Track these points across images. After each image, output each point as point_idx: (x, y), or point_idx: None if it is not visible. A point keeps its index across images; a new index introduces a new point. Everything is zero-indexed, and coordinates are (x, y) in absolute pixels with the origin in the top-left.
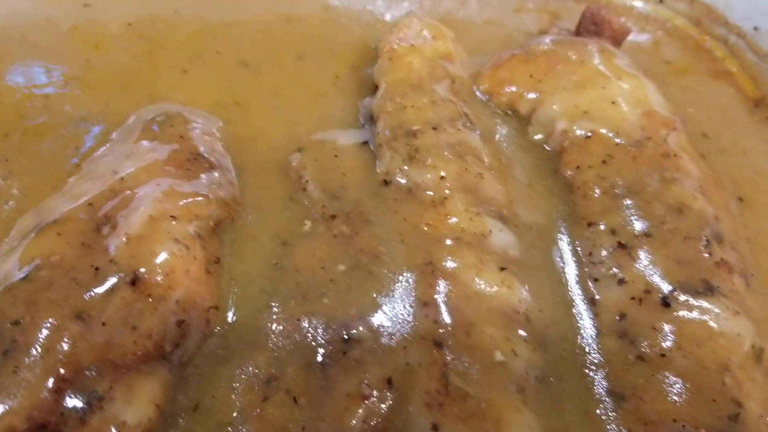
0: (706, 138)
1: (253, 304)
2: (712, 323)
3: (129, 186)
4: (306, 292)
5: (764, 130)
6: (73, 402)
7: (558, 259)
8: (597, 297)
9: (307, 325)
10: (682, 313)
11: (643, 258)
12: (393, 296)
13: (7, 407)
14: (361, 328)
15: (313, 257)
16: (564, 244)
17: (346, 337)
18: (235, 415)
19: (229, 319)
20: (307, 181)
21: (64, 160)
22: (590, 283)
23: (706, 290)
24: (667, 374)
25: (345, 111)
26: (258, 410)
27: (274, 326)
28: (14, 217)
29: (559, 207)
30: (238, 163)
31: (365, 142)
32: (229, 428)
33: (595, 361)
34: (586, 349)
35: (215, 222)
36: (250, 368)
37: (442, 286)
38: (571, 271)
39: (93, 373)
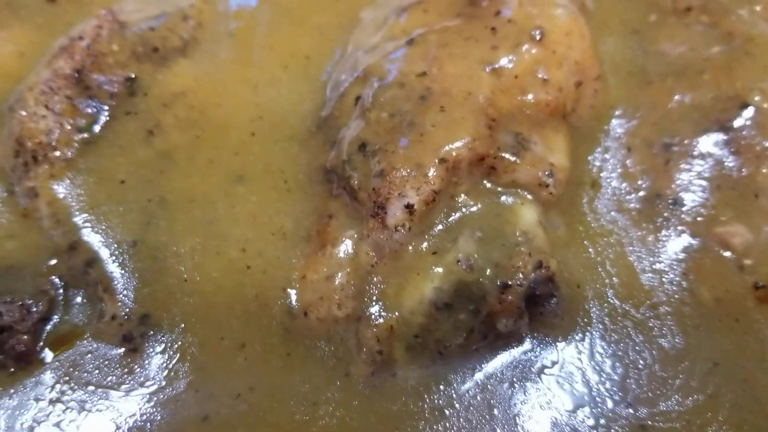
0: None
1: (626, 83)
2: None
3: None
4: (680, 70)
5: None
6: (504, 139)
7: None
8: None
9: (692, 97)
10: None
11: None
12: None
13: (453, 138)
14: (756, 97)
15: (673, 41)
16: None
17: (742, 103)
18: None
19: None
20: None
21: None
22: None
23: None
24: None
25: None
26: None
27: (654, 100)
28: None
29: None
30: None
31: None
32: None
33: None
34: None
35: (579, 5)
36: (637, 139)
37: None
38: None
39: (513, 120)
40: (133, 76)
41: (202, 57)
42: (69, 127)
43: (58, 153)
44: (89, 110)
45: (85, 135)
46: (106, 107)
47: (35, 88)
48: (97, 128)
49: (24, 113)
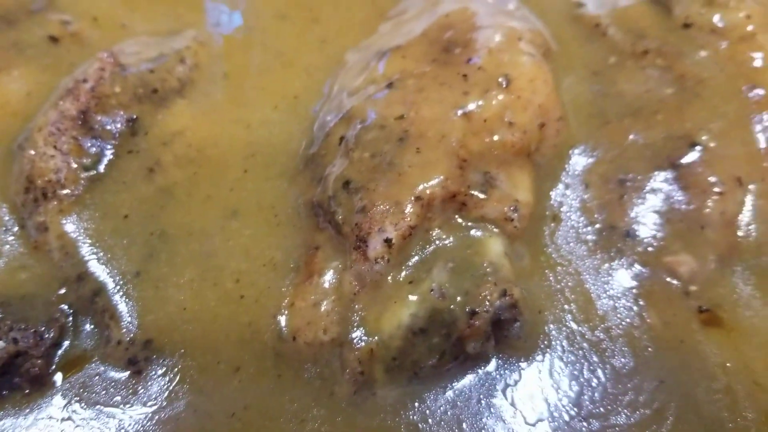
0: None
1: (586, 123)
2: None
3: (459, 19)
4: (636, 111)
5: None
6: (474, 177)
7: None
8: None
9: (646, 136)
10: None
11: None
12: (725, 114)
13: (427, 178)
14: (704, 137)
15: (631, 82)
16: None
17: (691, 143)
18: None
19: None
20: (607, 26)
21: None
22: None
23: None
24: None
25: None
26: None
27: (611, 139)
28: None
29: None
30: None
31: None
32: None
33: None
34: None
35: (544, 51)
36: (595, 176)
37: None
38: None
39: (482, 160)
40: (134, 116)
41: (199, 97)
42: (75, 166)
43: (66, 190)
44: (94, 149)
45: (91, 173)
46: (110, 146)
47: (44, 129)
48: (101, 166)
49: (33, 153)
